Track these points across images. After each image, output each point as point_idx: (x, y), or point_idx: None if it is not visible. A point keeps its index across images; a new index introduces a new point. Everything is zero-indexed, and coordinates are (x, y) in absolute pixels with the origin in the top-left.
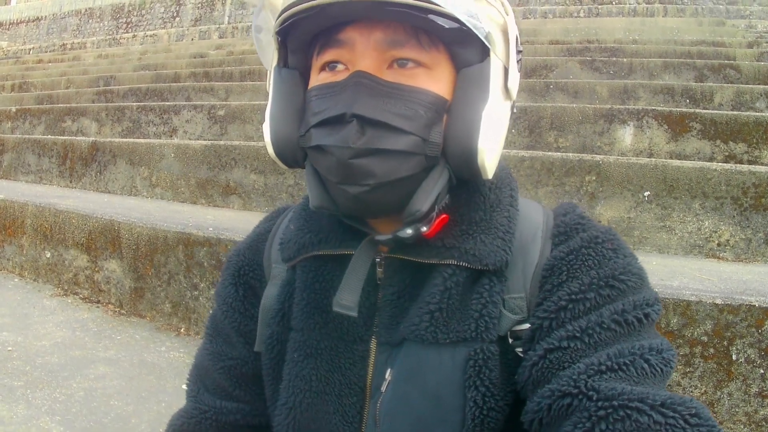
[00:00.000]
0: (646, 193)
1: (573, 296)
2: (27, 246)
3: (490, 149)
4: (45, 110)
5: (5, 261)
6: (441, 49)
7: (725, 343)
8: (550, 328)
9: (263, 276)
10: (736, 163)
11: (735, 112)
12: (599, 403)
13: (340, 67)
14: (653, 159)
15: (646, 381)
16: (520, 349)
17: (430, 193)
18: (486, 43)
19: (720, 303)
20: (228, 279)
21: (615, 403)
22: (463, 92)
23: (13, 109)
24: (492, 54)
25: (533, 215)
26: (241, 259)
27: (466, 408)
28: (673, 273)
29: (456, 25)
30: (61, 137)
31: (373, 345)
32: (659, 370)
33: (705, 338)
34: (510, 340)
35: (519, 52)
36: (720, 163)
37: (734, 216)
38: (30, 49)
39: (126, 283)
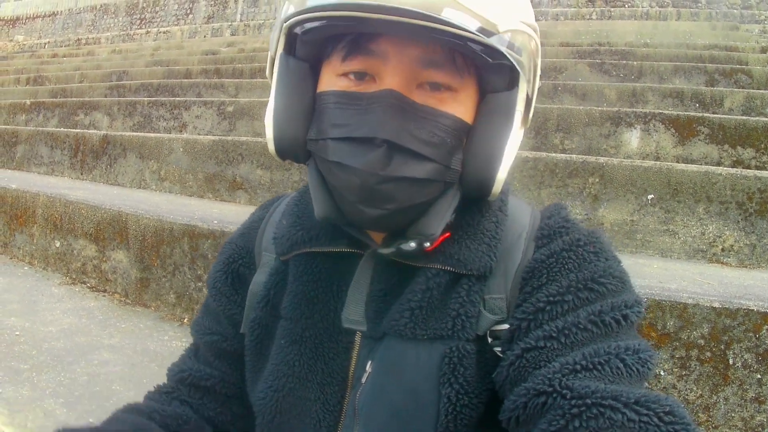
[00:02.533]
0: (650, 197)
1: (551, 298)
2: (37, 235)
3: (504, 177)
4: (59, 103)
5: (16, 249)
6: (472, 73)
7: (722, 347)
8: (528, 329)
9: (253, 263)
10: (743, 168)
11: (743, 117)
12: (573, 401)
13: (367, 78)
14: (657, 162)
15: (621, 380)
16: (498, 349)
17: (443, 217)
18: (524, 75)
19: (718, 306)
20: (219, 266)
21: (588, 401)
22: (488, 119)
23: (28, 102)
24: (521, 83)
25: (520, 217)
26: (233, 248)
27: (440, 403)
28: (673, 276)
29: (500, 57)
30: (73, 130)
31: (357, 338)
32: (635, 370)
33: (702, 342)
34: (489, 340)
35: (540, 76)
36: (725, 168)
37: (739, 221)
38: (45, 44)
39: (132, 273)
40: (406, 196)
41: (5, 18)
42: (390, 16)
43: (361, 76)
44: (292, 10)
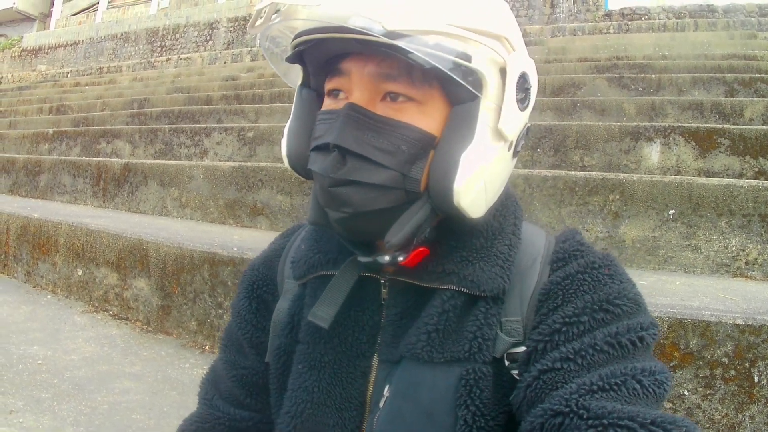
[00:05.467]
0: (671, 212)
1: (567, 319)
2: (60, 264)
3: (468, 191)
4: (81, 132)
5: (39, 278)
6: (434, 85)
7: (747, 364)
8: (544, 350)
9: (276, 290)
10: (766, 179)
11: (765, 127)
12: (590, 422)
13: (341, 95)
14: (678, 176)
15: (638, 401)
16: (515, 372)
17: (404, 226)
18: (463, 83)
19: (741, 323)
20: (243, 293)
21: (605, 421)
22: (449, 131)
23: (51, 131)
24: (483, 94)
25: (535, 242)
26: (256, 274)
27: (456, 426)
28: (695, 293)
29: (436, 65)
30: (95, 159)
31: (374, 362)
32: (652, 391)
33: (726, 360)
34: (506, 363)
35: (526, 89)
36: (746, 180)
37: (762, 234)
38: (68, 73)
39: (153, 301)
40: (362, 201)
41: (28, 48)
42: (312, 36)
43: (337, 94)
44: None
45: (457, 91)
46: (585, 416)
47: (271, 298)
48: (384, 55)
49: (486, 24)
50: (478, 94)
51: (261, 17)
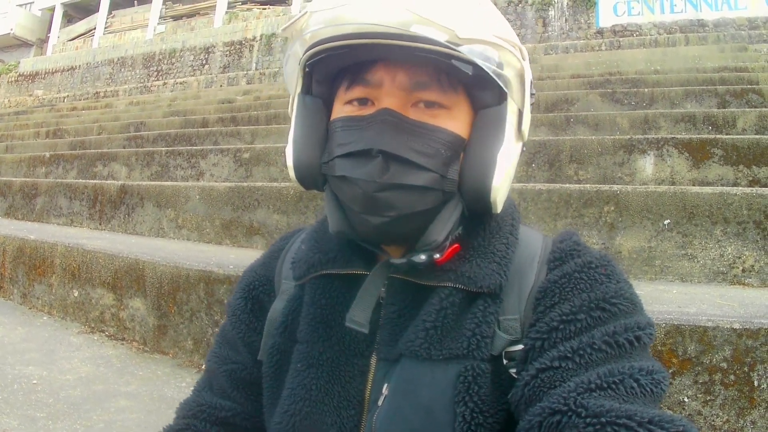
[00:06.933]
0: (666, 222)
1: (564, 317)
2: (56, 285)
3: (502, 187)
4: (77, 155)
5: (35, 300)
6: (460, 90)
7: (746, 369)
8: (542, 348)
9: (273, 291)
10: (761, 187)
11: (757, 136)
12: (588, 420)
13: (369, 103)
14: (672, 186)
15: (635, 400)
16: (513, 370)
17: (445, 225)
18: (504, 88)
19: (738, 328)
20: (239, 292)
21: (603, 419)
22: (480, 133)
23: (47, 154)
24: (509, 98)
25: (532, 242)
26: (253, 275)
27: (455, 423)
28: (692, 300)
29: (477, 71)
30: (91, 181)
31: (373, 361)
32: (649, 390)
33: (724, 365)
34: (504, 361)
35: (532, 95)
36: (740, 188)
37: (758, 241)
38: (65, 97)
39: (150, 320)
40: (406, 203)
41: (25, 73)
42: (371, 40)
43: (363, 102)
44: (298, 46)
45: (482, 96)
46: (583, 414)
47: (267, 298)
48: (416, 63)
49: (510, 34)
50: (512, 99)
51: (299, 21)
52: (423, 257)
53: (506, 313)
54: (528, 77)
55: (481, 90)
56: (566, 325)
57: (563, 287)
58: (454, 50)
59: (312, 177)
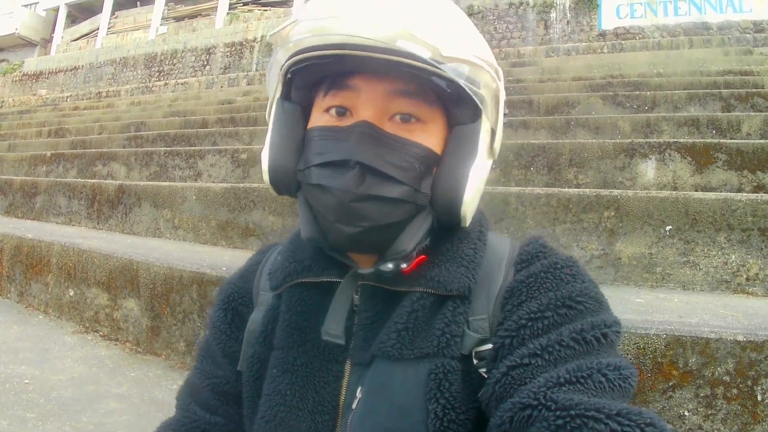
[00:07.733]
0: (668, 228)
1: (532, 315)
2: (52, 284)
3: (472, 202)
4: (78, 155)
5: (31, 298)
6: (437, 106)
7: (749, 382)
8: (511, 345)
9: (251, 302)
10: (766, 193)
11: (762, 141)
12: (557, 413)
13: (347, 114)
14: (674, 192)
15: (604, 395)
16: (483, 370)
17: (414, 236)
18: (480, 106)
19: (742, 340)
20: (219, 305)
21: (573, 412)
22: (454, 149)
23: (48, 153)
24: (483, 116)
25: (500, 246)
26: (232, 288)
27: (428, 420)
28: (694, 310)
29: (455, 88)
30: (90, 180)
31: (347, 366)
32: (617, 385)
33: (727, 378)
34: (474, 361)
35: (505, 114)
36: (744, 194)
37: (762, 248)
38: (67, 97)
39: (143, 321)
40: (379, 215)
41: (29, 73)
42: (357, 52)
43: (341, 112)
44: (281, 54)
45: (458, 112)
46: (553, 408)
47: (246, 310)
48: (398, 77)
49: (488, 54)
50: (486, 117)
51: (285, 29)
52: (390, 266)
53: (475, 314)
54: (502, 97)
55: (457, 107)
56: (534, 322)
57: (530, 286)
58: (437, 68)
59: (286, 182)
